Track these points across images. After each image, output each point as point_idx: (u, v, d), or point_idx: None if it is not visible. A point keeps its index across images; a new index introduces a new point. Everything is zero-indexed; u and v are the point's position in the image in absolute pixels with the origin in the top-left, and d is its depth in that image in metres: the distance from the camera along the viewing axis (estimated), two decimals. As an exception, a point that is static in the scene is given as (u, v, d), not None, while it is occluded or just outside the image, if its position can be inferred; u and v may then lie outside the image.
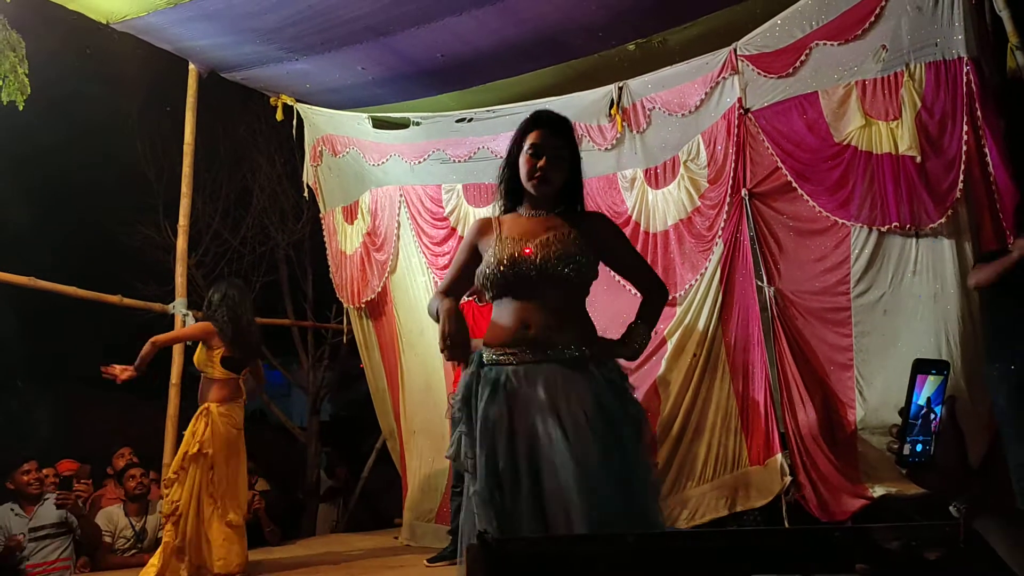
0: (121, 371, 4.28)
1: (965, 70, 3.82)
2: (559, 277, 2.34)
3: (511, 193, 2.53)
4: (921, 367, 1.27)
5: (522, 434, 2.22)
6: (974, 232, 3.89)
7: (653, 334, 4.31)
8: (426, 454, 5.78)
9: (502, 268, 2.35)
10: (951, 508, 1.24)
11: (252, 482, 5.77)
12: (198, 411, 4.56)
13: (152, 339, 4.42)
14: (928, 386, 1.27)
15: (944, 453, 1.26)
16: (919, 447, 1.27)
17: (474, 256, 2.51)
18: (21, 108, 4.45)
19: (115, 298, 5.24)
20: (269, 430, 9.72)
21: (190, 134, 5.71)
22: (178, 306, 5.45)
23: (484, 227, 2.53)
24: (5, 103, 4.38)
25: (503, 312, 2.39)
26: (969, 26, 3.80)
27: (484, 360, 2.39)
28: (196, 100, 5.74)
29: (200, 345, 4.59)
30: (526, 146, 2.42)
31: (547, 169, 2.40)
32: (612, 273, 2.94)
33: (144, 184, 7.72)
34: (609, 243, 2.52)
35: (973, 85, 3.78)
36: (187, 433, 4.48)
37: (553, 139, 2.43)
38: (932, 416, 1.27)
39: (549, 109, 2.53)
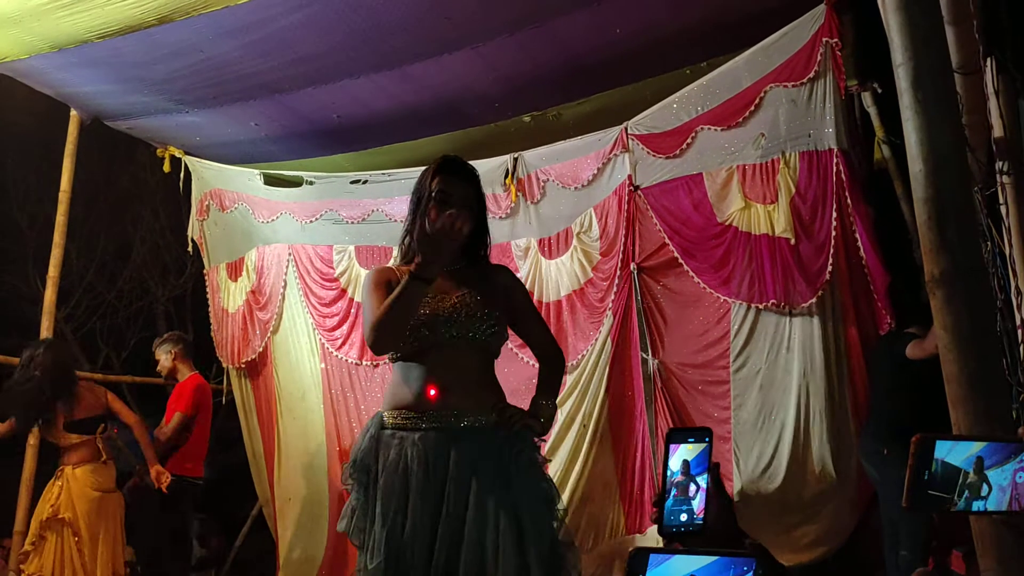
0: None
1: (835, 161, 4.07)
2: (472, 338, 2.20)
3: (411, 244, 2.30)
4: (674, 437, 1.30)
5: (426, 510, 2.06)
6: (844, 312, 4.12)
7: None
8: (303, 523, 5.56)
9: (418, 329, 2.16)
10: None
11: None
12: (54, 474, 4.27)
13: None
14: (682, 454, 1.30)
15: (713, 518, 1.29)
16: (682, 516, 1.29)
17: (389, 290, 2.23)
18: None
19: (-28, 351, 4.88)
20: (134, 492, 9.13)
21: (67, 182, 5.44)
22: (42, 361, 5.10)
23: (387, 277, 2.28)
24: None
25: (409, 374, 2.20)
26: (840, 120, 4.07)
27: (385, 423, 2.20)
28: (76, 147, 5.49)
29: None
30: (433, 193, 2.23)
31: (456, 219, 2.11)
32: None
33: (13, 231, 7.29)
34: (515, 299, 2.37)
35: (843, 175, 4.03)
36: (41, 499, 4.19)
37: (462, 187, 2.27)
38: (694, 484, 1.30)
39: (456, 156, 2.36)
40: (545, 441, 2.36)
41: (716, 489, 1.28)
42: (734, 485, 4.26)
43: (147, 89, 4.99)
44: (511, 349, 4.14)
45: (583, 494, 4.52)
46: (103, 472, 4.37)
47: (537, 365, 2.46)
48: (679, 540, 1.28)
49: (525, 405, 2.26)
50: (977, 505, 1.31)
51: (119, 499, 4.42)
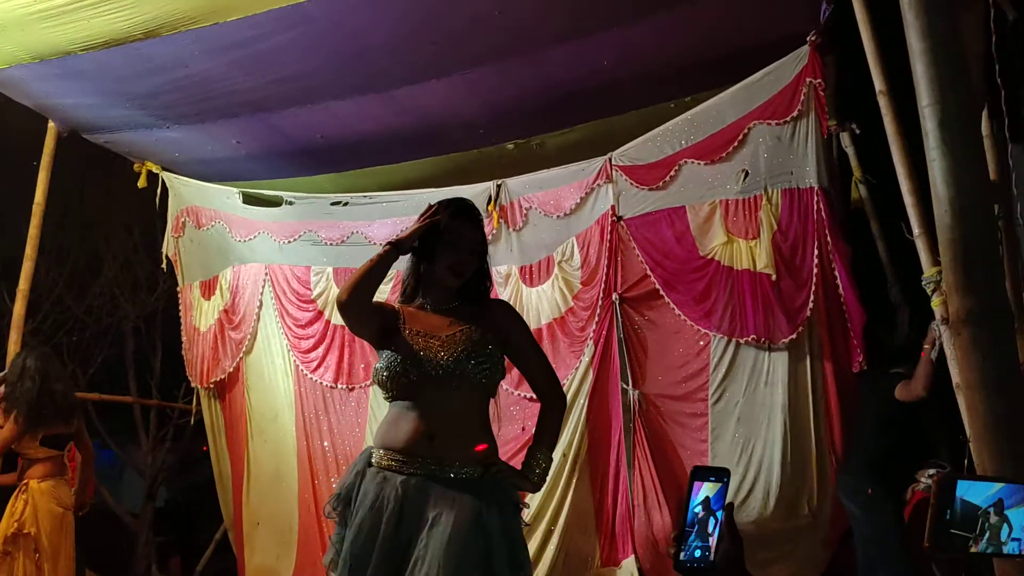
0: None
1: (816, 199, 4.13)
2: (468, 380, 2.19)
3: (416, 280, 2.34)
4: (698, 475, 1.31)
5: (393, 555, 2.05)
6: (822, 349, 4.15)
7: (522, 431, 4.29)
8: (269, 549, 5.46)
9: (406, 367, 2.17)
10: None
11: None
12: (16, 488, 4.16)
13: None
14: (704, 492, 1.31)
15: (723, 557, 1.30)
16: (696, 552, 1.30)
17: (382, 312, 2.29)
18: None
19: (-66, 364, 4.74)
20: (93, 514, 8.92)
21: (41, 194, 5.35)
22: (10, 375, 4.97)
23: (385, 308, 2.31)
24: None
25: (401, 415, 2.20)
26: (821, 158, 4.13)
27: (372, 461, 2.21)
28: (52, 160, 5.40)
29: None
30: (448, 236, 2.26)
31: (467, 264, 2.28)
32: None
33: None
34: (513, 335, 2.36)
35: (823, 213, 4.09)
36: (5, 514, 4.06)
37: (474, 232, 2.31)
38: (711, 521, 1.31)
39: (466, 199, 2.40)
40: (527, 506, 2.34)
41: (729, 528, 1.28)
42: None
43: (128, 103, 4.93)
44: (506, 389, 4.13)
45: (562, 525, 4.48)
46: (64, 489, 4.27)
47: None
48: (692, 575, 1.28)
49: (513, 436, 2.27)
50: (1005, 548, 1.32)
51: (73, 519, 4.30)
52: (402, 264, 2.39)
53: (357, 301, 2.17)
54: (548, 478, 4.28)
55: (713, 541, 1.28)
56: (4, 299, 6.43)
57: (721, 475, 1.30)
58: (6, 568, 3.94)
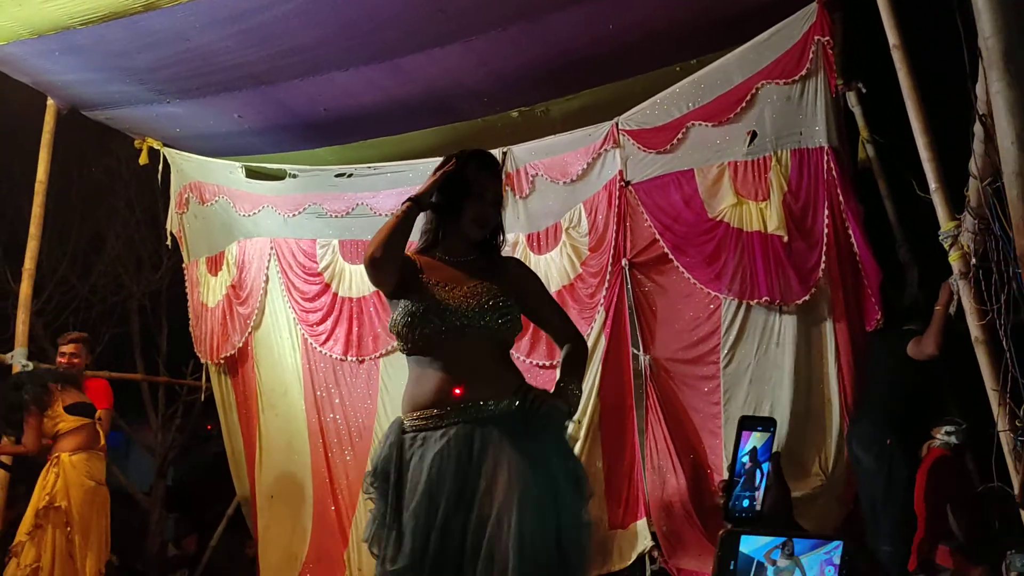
0: None
1: (826, 158, 4.11)
2: (490, 331, 2.16)
3: (435, 232, 2.31)
4: (746, 424, 1.32)
5: (454, 509, 2.01)
6: (834, 309, 4.16)
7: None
8: (284, 521, 5.49)
9: (428, 317, 2.13)
10: None
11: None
12: (48, 462, 4.17)
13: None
14: (752, 442, 1.32)
15: (771, 506, 1.31)
16: (744, 502, 1.31)
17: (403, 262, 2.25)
18: None
19: (-57, 346, 4.74)
20: (105, 494, 8.95)
21: (43, 172, 5.30)
22: (17, 356, 4.97)
23: (404, 259, 2.25)
24: None
25: (425, 370, 2.17)
26: (830, 118, 4.11)
27: (405, 428, 2.16)
28: (52, 137, 5.35)
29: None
30: (469, 188, 2.24)
31: (492, 217, 2.28)
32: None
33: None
34: (528, 289, 2.35)
35: (834, 172, 4.07)
36: (36, 487, 4.08)
37: (496, 182, 2.32)
38: (758, 471, 1.31)
39: (488, 151, 2.38)
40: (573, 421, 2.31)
41: (776, 478, 1.29)
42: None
43: (128, 78, 4.89)
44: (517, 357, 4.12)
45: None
46: (97, 462, 4.28)
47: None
48: (740, 526, 1.28)
49: None
50: None
51: (107, 493, 4.31)
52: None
53: (391, 257, 2.14)
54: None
55: (760, 491, 1.29)
56: (8, 280, 6.40)
57: (768, 424, 1.31)
58: (37, 540, 3.95)
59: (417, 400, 2.16)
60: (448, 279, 2.22)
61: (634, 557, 4.41)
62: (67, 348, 4.73)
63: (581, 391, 2.30)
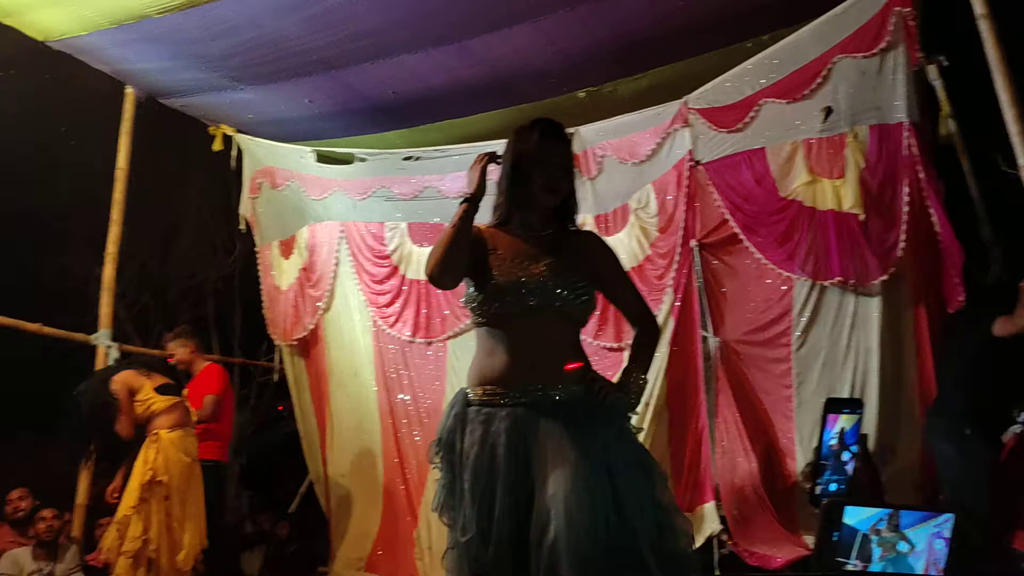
0: None
1: (906, 134, 3.98)
2: (563, 308, 2.13)
3: (508, 205, 2.26)
4: (832, 406, 1.28)
5: (517, 486, 2.01)
6: (913, 290, 4.03)
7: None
8: (357, 499, 5.59)
9: (501, 293, 2.11)
10: None
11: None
12: (147, 440, 4.31)
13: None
14: (839, 424, 1.28)
15: (861, 489, 1.27)
16: (832, 487, 1.27)
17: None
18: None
19: (34, 326, 4.92)
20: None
21: (124, 159, 5.48)
22: (101, 337, 5.16)
23: (473, 236, 2.22)
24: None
25: (495, 345, 2.15)
26: (911, 92, 3.97)
27: (470, 400, 2.16)
28: (132, 125, 5.52)
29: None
30: (536, 155, 2.17)
31: (560, 181, 2.19)
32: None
33: (63, 210, 7.36)
34: (604, 265, 2.30)
35: (914, 148, 3.94)
36: (137, 463, 4.22)
37: (563, 147, 2.24)
38: (846, 455, 1.28)
39: (549, 118, 2.28)
40: (636, 413, 2.28)
41: (865, 461, 1.26)
42: (797, 464, 4.21)
43: (203, 65, 5.01)
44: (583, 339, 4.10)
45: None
46: (191, 439, 4.43)
47: None
48: None
49: None
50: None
51: (200, 469, 4.47)
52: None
53: (451, 272, 2.15)
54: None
55: (847, 474, 1.26)
56: (90, 264, 6.63)
57: (855, 406, 1.28)
58: (144, 514, 4.12)
59: (484, 375, 2.15)
60: (523, 255, 2.19)
61: (702, 540, 4.37)
62: (170, 347, 5.16)
63: (646, 381, 2.25)
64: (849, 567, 1.31)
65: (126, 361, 4.88)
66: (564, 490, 1.95)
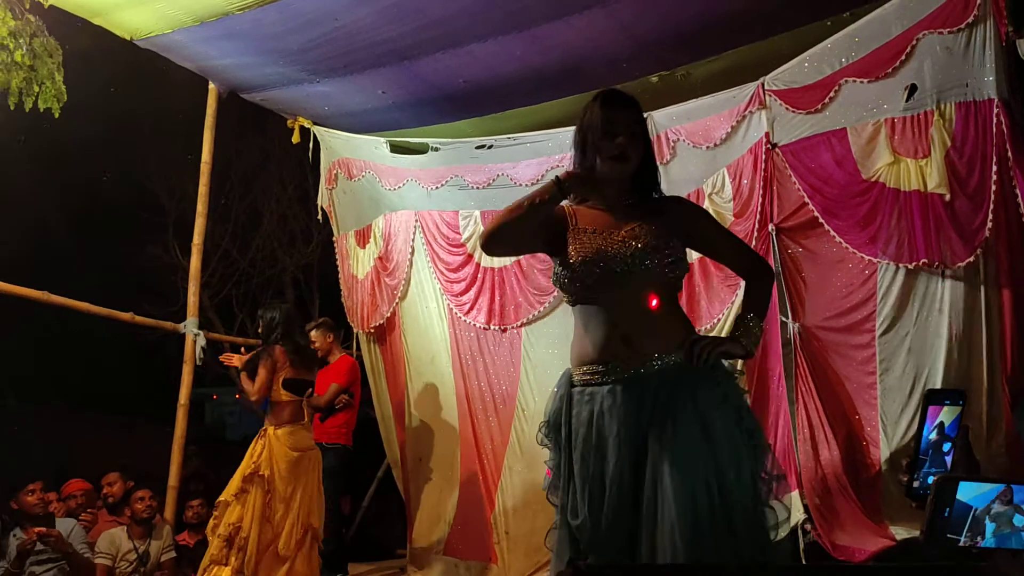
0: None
1: (995, 111, 3.81)
2: (652, 273, 2.10)
3: (589, 180, 2.21)
4: (933, 398, 1.24)
5: (624, 466, 2.02)
6: (999, 273, 3.88)
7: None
8: (434, 483, 5.69)
9: (587, 266, 2.10)
10: None
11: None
12: (258, 434, 4.56)
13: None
14: (940, 417, 1.24)
15: None
16: (931, 480, 1.23)
17: (547, 224, 2.21)
18: (57, 116, 4.40)
19: (127, 315, 5.16)
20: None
21: (208, 153, 5.67)
22: (189, 326, 5.38)
23: (554, 214, 2.22)
24: (41, 109, 4.33)
25: (589, 322, 2.14)
26: (1000, 68, 3.80)
27: (573, 381, 2.17)
28: (215, 120, 5.70)
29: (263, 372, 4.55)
30: (601, 125, 2.15)
31: (626, 147, 2.14)
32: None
33: (151, 202, 7.67)
34: (696, 226, 2.27)
35: (1004, 126, 3.77)
36: (247, 455, 4.46)
37: (627, 113, 2.19)
38: (946, 447, 1.24)
39: (610, 88, 2.29)
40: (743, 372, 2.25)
41: (965, 454, 1.22)
42: (881, 453, 4.11)
43: (282, 60, 5.13)
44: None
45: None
46: (302, 434, 4.59)
47: None
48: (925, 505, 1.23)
49: None
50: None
51: (317, 455, 4.65)
52: None
53: (504, 242, 2.20)
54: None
55: (948, 468, 1.23)
56: (177, 255, 6.89)
57: (957, 398, 1.24)
58: (242, 502, 4.33)
59: (582, 354, 2.16)
60: (604, 225, 2.18)
61: (787, 530, 4.30)
62: (312, 335, 5.42)
63: (762, 327, 2.20)
64: (961, 543, 1.28)
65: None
66: (669, 469, 1.95)
